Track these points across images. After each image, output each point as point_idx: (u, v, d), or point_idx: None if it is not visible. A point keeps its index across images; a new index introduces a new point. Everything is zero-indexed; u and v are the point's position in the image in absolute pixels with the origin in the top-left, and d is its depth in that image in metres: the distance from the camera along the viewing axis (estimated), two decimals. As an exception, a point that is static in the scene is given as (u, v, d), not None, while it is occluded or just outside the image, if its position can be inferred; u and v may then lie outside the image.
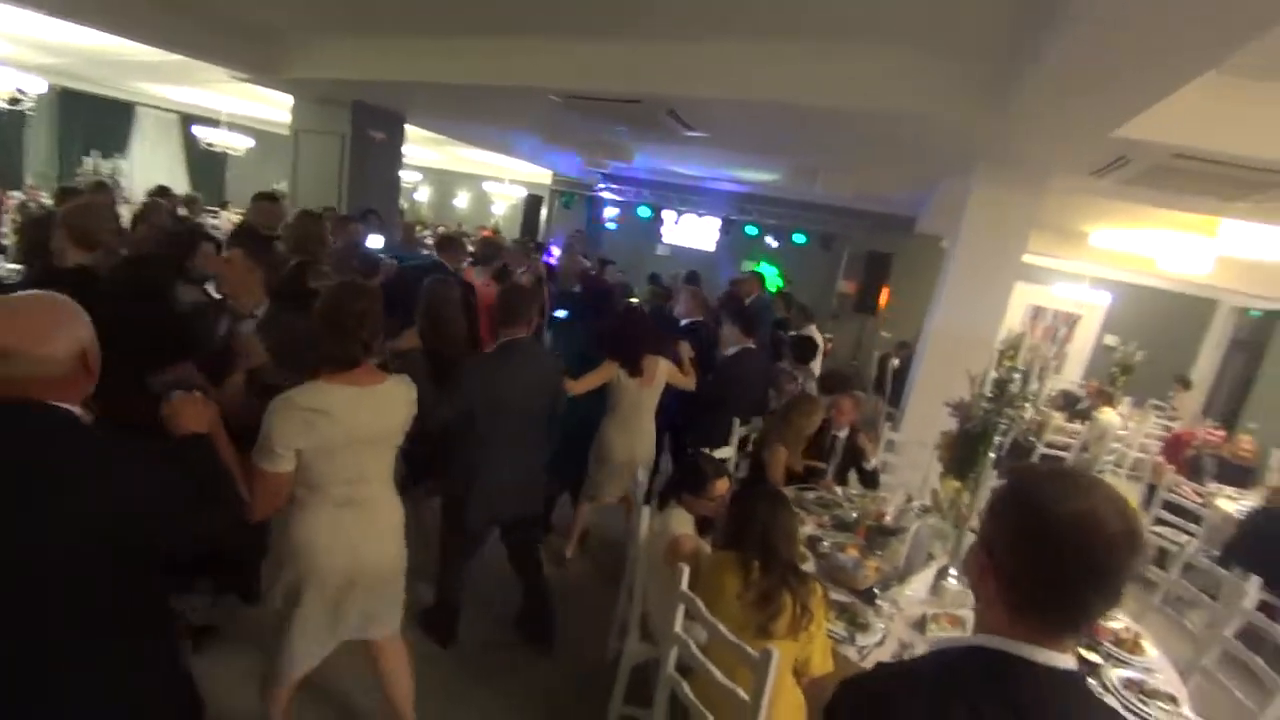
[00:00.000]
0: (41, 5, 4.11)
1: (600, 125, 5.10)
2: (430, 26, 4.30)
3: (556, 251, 7.44)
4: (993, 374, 2.51)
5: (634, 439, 3.32)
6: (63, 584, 1.06)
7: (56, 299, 1.16)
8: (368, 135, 6.22)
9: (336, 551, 1.81)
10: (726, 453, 3.26)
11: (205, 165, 12.14)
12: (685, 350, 3.65)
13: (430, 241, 8.92)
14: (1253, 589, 2.67)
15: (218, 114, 10.39)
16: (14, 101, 6.79)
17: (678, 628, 1.86)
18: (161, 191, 6.40)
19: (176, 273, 2.89)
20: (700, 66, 3.60)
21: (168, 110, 11.75)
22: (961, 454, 2.53)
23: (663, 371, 3.38)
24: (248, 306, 2.56)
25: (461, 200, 15.44)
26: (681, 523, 2.32)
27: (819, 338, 5.84)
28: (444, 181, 15.41)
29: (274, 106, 8.77)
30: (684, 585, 1.80)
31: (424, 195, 15.66)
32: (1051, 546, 0.78)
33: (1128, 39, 1.89)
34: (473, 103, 5.40)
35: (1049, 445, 5.79)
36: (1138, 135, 2.93)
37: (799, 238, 9.93)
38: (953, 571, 2.57)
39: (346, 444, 1.76)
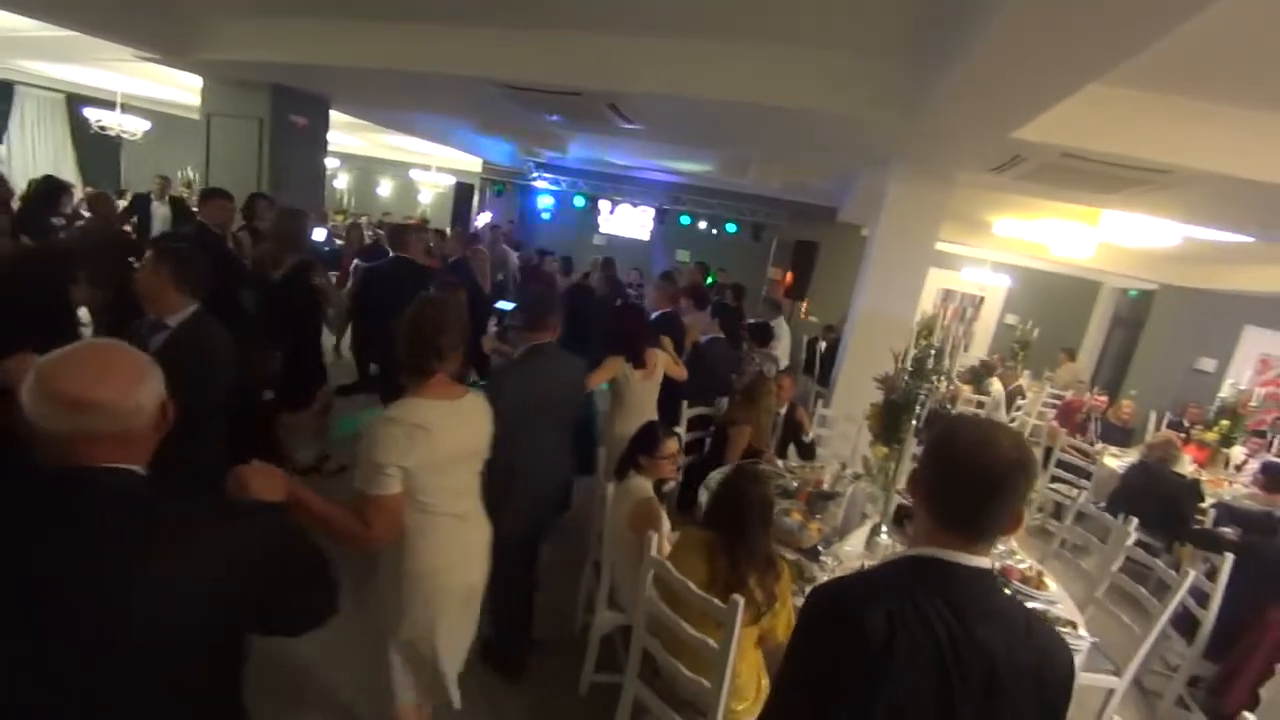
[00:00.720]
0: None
1: (536, 115, 5.12)
2: (358, 8, 4.18)
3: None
4: (913, 351, 2.79)
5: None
6: (153, 669, 0.96)
7: (126, 345, 1.04)
8: (289, 120, 5.95)
9: (458, 568, 1.82)
10: (678, 431, 3.44)
11: (96, 149, 11.17)
12: (666, 344, 3.79)
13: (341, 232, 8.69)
14: (1132, 530, 3.12)
15: (112, 94, 9.57)
16: None
17: (648, 590, 2.01)
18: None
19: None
20: (639, 62, 3.71)
21: (53, 90, 10.72)
22: (888, 423, 2.80)
23: (661, 363, 3.53)
24: (161, 316, 2.26)
25: (384, 189, 14.90)
26: (641, 488, 2.48)
27: (784, 328, 6.35)
28: (366, 169, 14.82)
29: (174, 87, 8.20)
30: (654, 551, 1.95)
31: (343, 183, 15.01)
32: (959, 466, 1.01)
33: (1036, 39, 2.11)
34: (405, 89, 5.28)
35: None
36: (1031, 137, 3.29)
37: (730, 227, 10.28)
38: (884, 528, 2.86)
39: (447, 459, 1.75)
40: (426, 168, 12.72)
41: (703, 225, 10.51)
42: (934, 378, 2.77)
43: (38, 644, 0.88)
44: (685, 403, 3.75)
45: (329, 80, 5.47)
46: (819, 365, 7.59)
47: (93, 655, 0.90)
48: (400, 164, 14.00)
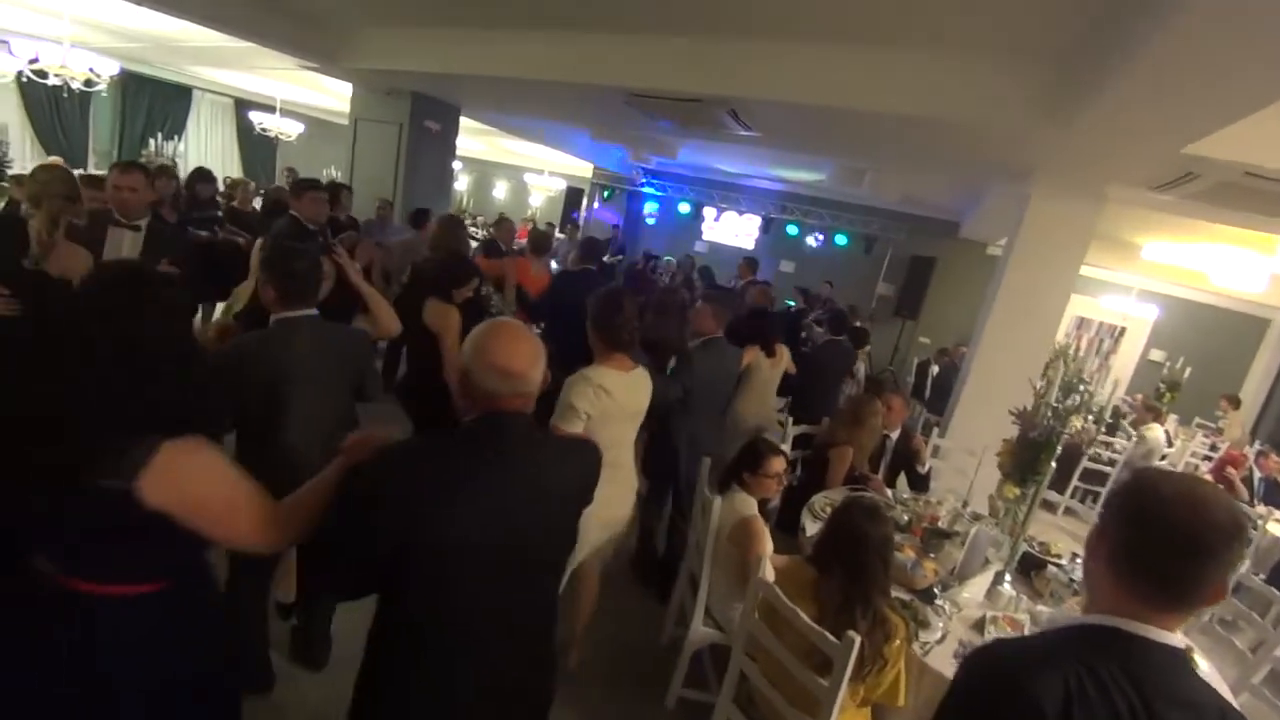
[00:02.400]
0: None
1: (652, 122, 5.15)
2: (494, 19, 4.39)
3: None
4: (1058, 384, 2.53)
5: (764, 409, 3.99)
6: (552, 556, 1.40)
7: (530, 330, 1.45)
8: (424, 125, 6.36)
9: (603, 502, 1.97)
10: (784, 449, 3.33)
11: (257, 149, 12.50)
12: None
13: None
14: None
15: (272, 99, 10.69)
16: (89, 83, 7.06)
17: (749, 612, 1.94)
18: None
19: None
20: (763, 67, 3.64)
21: (223, 95, 12.11)
22: (1023, 461, 2.56)
23: (784, 355, 4.08)
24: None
25: (500, 190, 15.62)
26: (745, 504, 2.39)
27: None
28: (484, 172, 15.61)
29: (326, 94, 9.00)
30: (767, 573, 1.87)
31: (463, 184, 15.90)
32: (1160, 524, 0.87)
33: (1233, 38, 1.85)
34: (530, 96, 5.50)
35: (1092, 459, 5.73)
36: (1210, 153, 2.92)
37: (841, 239, 9.90)
38: (1008, 577, 2.62)
39: (615, 416, 2.21)
40: (540, 171, 13.21)
41: (811, 236, 10.21)
42: (1084, 416, 2.50)
43: (484, 554, 1.23)
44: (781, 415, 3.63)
45: (462, 88, 5.80)
46: (930, 390, 7.15)
47: (517, 556, 1.27)
48: (515, 167, 14.64)
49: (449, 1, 4.26)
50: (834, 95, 3.49)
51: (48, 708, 1.16)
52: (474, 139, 11.51)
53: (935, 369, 7.30)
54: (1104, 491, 5.75)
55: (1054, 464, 2.55)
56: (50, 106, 9.79)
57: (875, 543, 1.85)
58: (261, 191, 7.83)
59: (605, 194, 11.99)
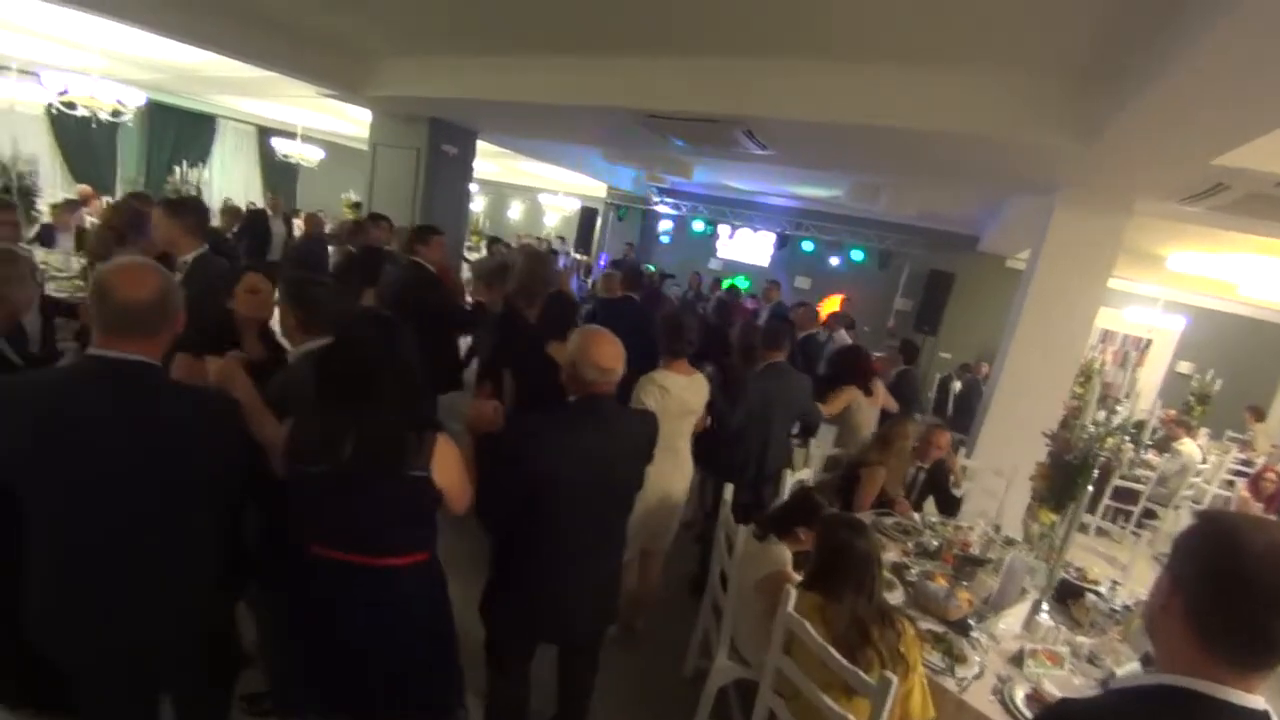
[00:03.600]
0: (151, 25, 4.38)
1: (666, 142, 5.16)
2: (509, 45, 4.43)
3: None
4: (1095, 401, 2.45)
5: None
6: (625, 502, 2.00)
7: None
8: (441, 150, 6.43)
9: (659, 479, 2.65)
10: (805, 473, 3.26)
11: (279, 175, 12.75)
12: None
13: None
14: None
15: (293, 127, 10.92)
16: (116, 114, 7.25)
17: (776, 652, 1.87)
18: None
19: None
20: (779, 87, 3.62)
21: (246, 123, 12.39)
22: (1059, 485, 2.47)
23: (880, 391, 4.14)
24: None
25: (515, 211, 15.78)
26: (781, 556, 2.29)
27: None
28: (500, 193, 15.78)
29: (345, 120, 9.17)
30: (790, 608, 1.81)
31: (479, 206, 16.07)
32: (1246, 581, 0.79)
33: (1266, 50, 1.79)
34: (546, 120, 5.54)
35: (1122, 478, 5.56)
36: (1241, 163, 2.84)
37: (857, 254, 9.82)
38: (1045, 607, 2.52)
39: (674, 411, 2.67)
40: (554, 192, 13.32)
41: (828, 253, 10.14)
42: (1122, 437, 2.42)
43: (584, 489, 1.79)
44: (813, 441, 3.56)
45: (478, 113, 5.86)
46: (953, 407, 7.02)
47: (605, 489, 1.87)
48: (530, 188, 14.78)
49: (466, 29, 4.31)
50: (850, 113, 3.46)
51: (391, 657, 1.59)
52: (490, 161, 11.64)
53: (957, 385, 7.18)
54: (1136, 509, 5.58)
55: (1090, 487, 2.47)
56: (80, 136, 10.08)
57: (868, 555, 1.89)
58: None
59: (619, 214, 12.04)
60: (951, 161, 4.11)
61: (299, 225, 8.67)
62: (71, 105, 6.66)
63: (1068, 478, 2.42)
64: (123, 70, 7.61)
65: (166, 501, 1.37)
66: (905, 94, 3.30)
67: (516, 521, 1.76)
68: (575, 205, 13.11)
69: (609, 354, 1.82)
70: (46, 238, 5.85)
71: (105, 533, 1.31)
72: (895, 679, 1.54)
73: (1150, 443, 5.85)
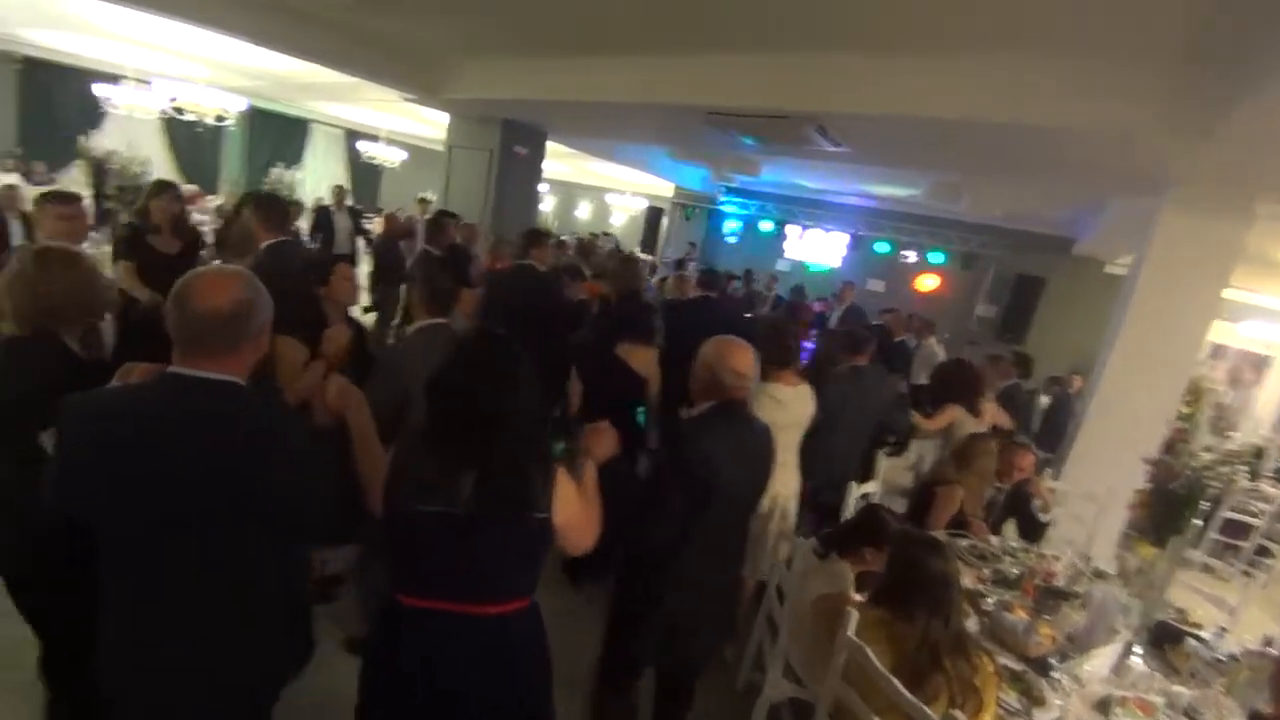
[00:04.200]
0: (249, 35, 4.69)
1: (733, 140, 5.05)
2: (579, 46, 4.47)
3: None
4: (1205, 425, 2.20)
5: None
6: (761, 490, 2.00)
7: None
8: (513, 151, 6.57)
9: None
10: (871, 487, 3.10)
11: (364, 175, 13.43)
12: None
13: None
14: None
15: (377, 130, 11.45)
16: (220, 119, 7.79)
17: (835, 677, 1.77)
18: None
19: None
20: (853, 80, 3.47)
21: (335, 126, 13.11)
22: (1161, 516, 2.23)
23: (990, 411, 3.82)
24: None
25: (583, 210, 15.98)
26: (844, 576, 2.18)
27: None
28: (568, 193, 16.02)
29: (424, 123, 9.52)
30: (851, 631, 1.70)
31: (548, 205, 16.38)
32: None
33: None
34: (613, 119, 5.56)
35: (1234, 509, 5.00)
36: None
37: (936, 256, 9.33)
38: (1138, 650, 2.28)
39: (785, 423, 2.59)
40: (621, 192, 13.38)
41: (905, 254, 9.67)
42: (1235, 466, 2.16)
43: (736, 496, 1.85)
44: (881, 454, 3.38)
45: (548, 113, 5.95)
46: (1039, 424, 6.54)
47: (748, 497, 1.96)
48: (598, 188, 14.92)
49: (536, 31, 4.36)
50: (932, 106, 3.27)
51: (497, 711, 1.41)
52: (559, 162, 11.83)
53: (1045, 400, 6.68)
54: (1248, 545, 5.02)
55: (1198, 520, 2.22)
56: (189, 141, 10.93)
57: (944, 577, 1.76)
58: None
59: (686, 213, 11.95)
60: (1041, 159, 3.83)
61: (378, 224, 9.02)
62: (180, 111, 7.22)
63: (1172, 508, 2.19)
64: (226, 78, 8.18)
65: (238, 539, 1.22)
66: (990, 85, 3.09)
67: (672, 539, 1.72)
68: (642, 205, 13.13)
69: (745, 359, 1.85)
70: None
71: (171, 569, 1.20)
72: (963, 718, 1.42)
73: (1272, 474, 5.26)
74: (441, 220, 5.06)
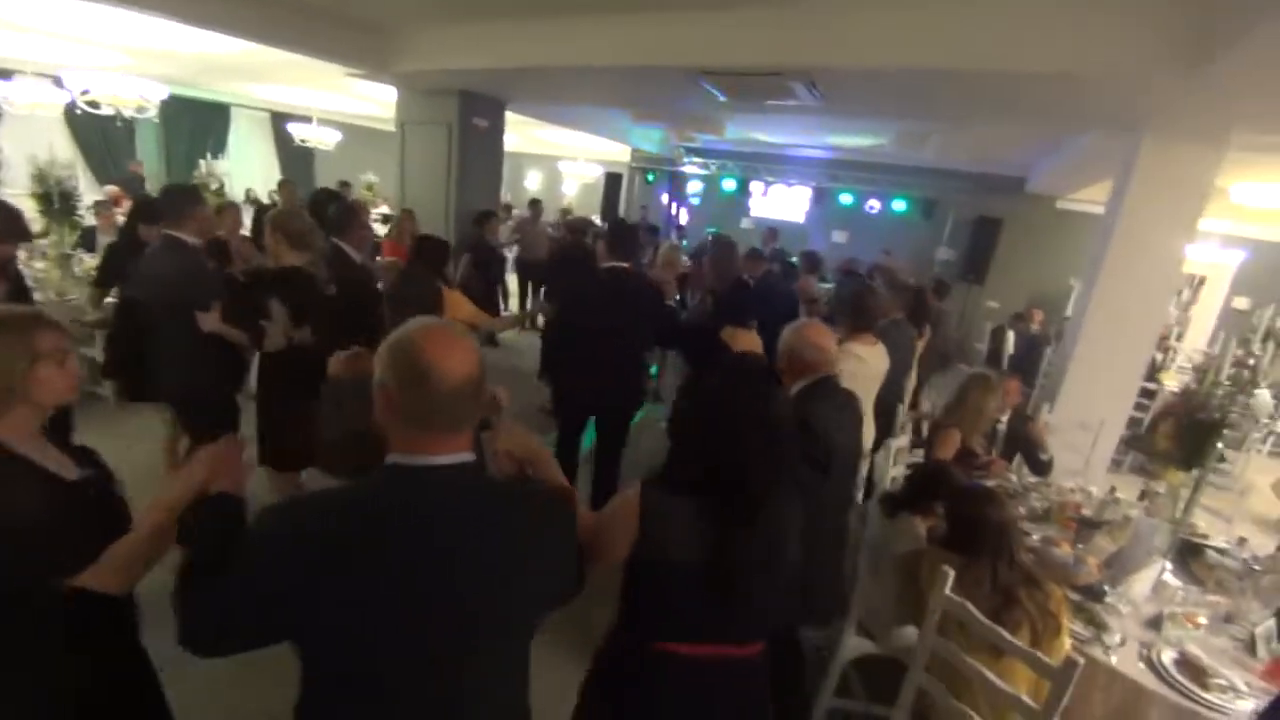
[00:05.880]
0: (175, 13, 4.21)
1: (711, 99, 4.92)
2: (546, 7, 4.23)
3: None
4: (1231, 359, 2.32)
5: None
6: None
7: None
8: (472, 124, 6.25)
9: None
10: (902, 441, 3.17)
11: (295, 160, 12.60)
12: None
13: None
14: None
15: (306, 110, 10.71)
16: (140, 109, 7.12)
17: (931, 632, 1.81)
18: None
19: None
20: (850, 32, 3.39)
21: (258, 109, 12.20)
22: (1190, 445, 2.36)
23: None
24: None
25: (533, 181, 15.51)
26: (917, 533, 2.20)
27: None
28: (516, 163, 15.49)
29: (361, 99, 8.95)
30: (948, 589, 1.74)
31: (496, 178, 15.81)
32: None
33: None
34: (582, 85, 5.32)
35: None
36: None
37: (899, 204, 9.48)
38: (1168, 567, 2.44)
39: (866, 376, 2.84)
40: (574, 159, 13.03)
41: (868, 203, 9.79)
42: (1252, 390, 2.29)
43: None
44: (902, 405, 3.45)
45: (510, 82, 5.65)
46: (1006, 359, 6.83)
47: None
48: (549, 157, 14.46)
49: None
50: (930, 57, 3.24)
51: None
52: (507, 132, 11.38)
53: (1012, 335, 6.98)
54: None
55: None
56: (99, 136, 9.99)
57: (1002, 524, 1.86)
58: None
59: (648, 177, 11.75)
60: (1033, 103, 3.87)
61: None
62: (95, 105, 6.56)
63: (1201, 436, 2.31)
64: (143, 65, 7.47)
65: (484, 637, 1.04)
66: (988, 33, 3.07)
67: None
68: (597, 171, 12.82)
69: (821, 334, 2.09)
70: (89, 242, 5.81)
71: (407, 698, 0.99)
72: (1081, 661, 1.48)
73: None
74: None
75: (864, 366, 2.87)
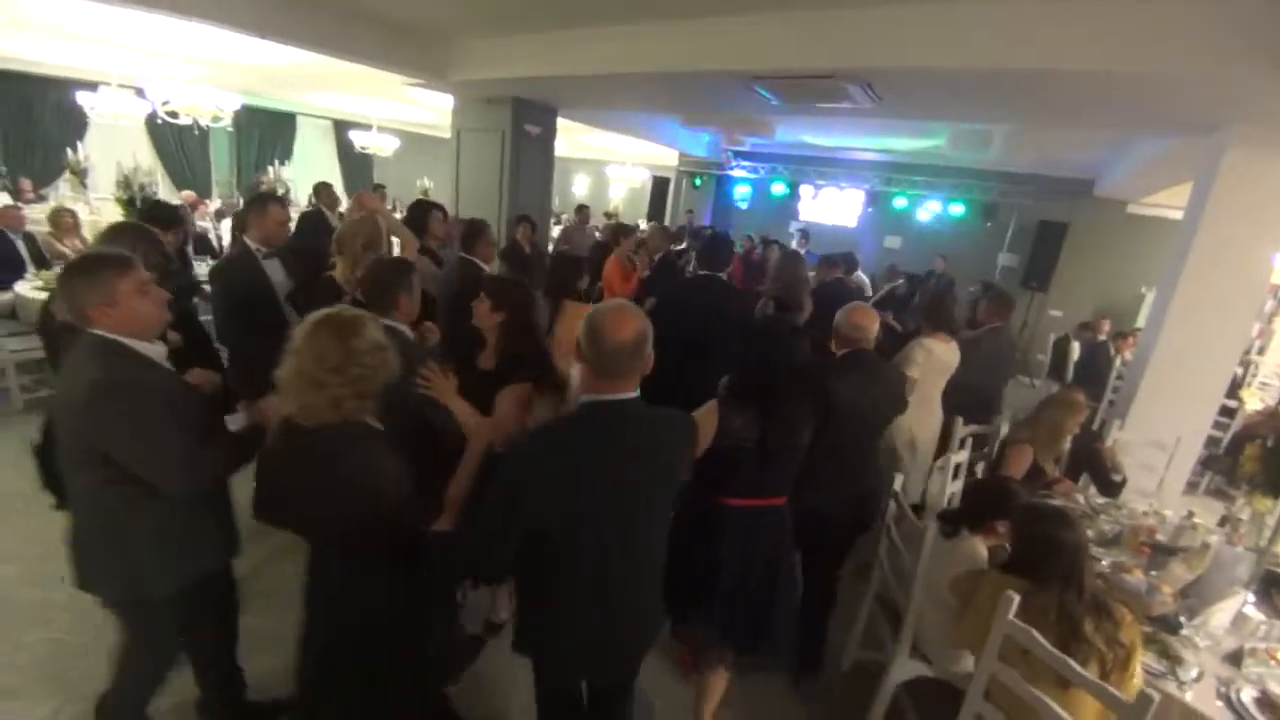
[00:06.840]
0: (246, 27, 4.43)
1: (764, 102, 4.87)
2: (598, 16, 4.26)
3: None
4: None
5: None
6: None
7: None
8: (524, 130, 6.37)
9: (913, 416, 3.16)
10: (961, 456, 3.07)
11: (356, 166, 13.10)
12: None
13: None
14: None
15: (367, 118, 11.10)
16: (216, 119, 7.52)
17: (992, 658, 1.75)
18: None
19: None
20: (906, 32, 3.31)
21: (322, 118, 12.72)
22: (1276, 469, 2.20)
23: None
24: None
25: (580, 185, 15.67)
26: (977, 554, 2.13)
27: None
28: (565, 168, 15.69)
29: (418, 107, 9.23)
30: (1011, 614, 1.68)
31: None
32: None
33: None
34: (631, 91, 5.36)
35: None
36: None
37: (957, 209, 9.16)
38: (1251, 598, 2.28)
39: (935, 369, 3.26)
40: (621, 163, 13.10)
41: (924, 208, 9.49)
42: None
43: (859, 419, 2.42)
44: (960, 420, 3.34)
45: (561, 89, 5.73)
46: (1072, 371, 6.52)
47: (869, 422, 2.56)
48: (595, 161, 14.60)
49: (550, 3, 4.16)
50: (1005, 57, 3.12)
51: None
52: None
53: (1076, 346, 6.66)
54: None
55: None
56: (176, 144, 10.61)
57: (1075, 548, 1.78)
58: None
59: (695, 181, 11.71)
60: (1110, 105, 3.68)
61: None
62: (174, 114, 6.96)
63: (1292, 459, 2.15)
64: (219, 76, 7.89)
65: (650, 514, 1.57)
66: (1067, 32, 2.93)
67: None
68: (643, 175, 12.86)
69: (863, 316, 2.41)
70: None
71: (605, 551, 1.47)
72: (1158, 696, 1.40)
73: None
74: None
75: (931, 358, 3.20)
